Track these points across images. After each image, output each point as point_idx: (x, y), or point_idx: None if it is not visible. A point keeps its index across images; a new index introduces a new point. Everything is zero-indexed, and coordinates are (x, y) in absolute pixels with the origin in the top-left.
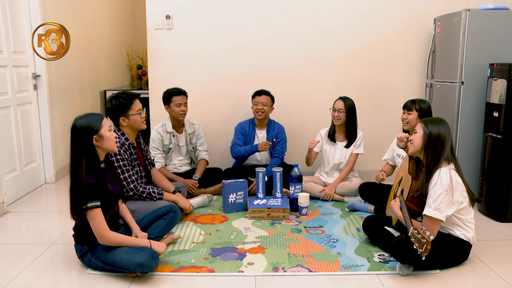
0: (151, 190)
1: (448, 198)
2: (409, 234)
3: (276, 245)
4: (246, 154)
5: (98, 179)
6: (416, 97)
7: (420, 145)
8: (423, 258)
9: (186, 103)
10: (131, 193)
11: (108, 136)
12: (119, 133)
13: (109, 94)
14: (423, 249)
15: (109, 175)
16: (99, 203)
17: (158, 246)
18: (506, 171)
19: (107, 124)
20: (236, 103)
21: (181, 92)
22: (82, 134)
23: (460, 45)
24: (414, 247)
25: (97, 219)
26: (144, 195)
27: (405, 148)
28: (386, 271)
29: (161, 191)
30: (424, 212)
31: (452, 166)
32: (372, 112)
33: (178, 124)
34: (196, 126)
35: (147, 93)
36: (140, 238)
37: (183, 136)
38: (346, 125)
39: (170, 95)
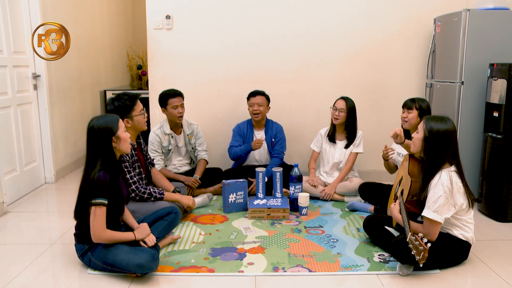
0: (151, 190)
1: (448, 200)
2: (407, 240)
3: (276, 245)
4: (242, 154)
5: (114, 179)
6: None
7: (420, 145)
8: (421, 265)
9: (183, 104)
10: (132, 194)
11: (125, 138)
12: None
13: (109, 94)
14: (421, 256)
15: (120, 178)
16: (106, 202)
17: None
18: (506, 171)
19: (123, 125)
20: (236, 103)
21: (176, 94)
22: (101, 135)
23: (460, 45)
24: (412, 253)
25: (99, 216)
26: (146, 195)
27: (402, 143)
28: (386, 271)
29: (162, 191)
30: (423, 214)
31: (453, 168)
32: (372, 112)
33: (176, 125)
34: (194, 126)
35: (147, 93)
36: (127, 232)
37: (181, 137)
38: (347, 126)
39: (166, 98)
